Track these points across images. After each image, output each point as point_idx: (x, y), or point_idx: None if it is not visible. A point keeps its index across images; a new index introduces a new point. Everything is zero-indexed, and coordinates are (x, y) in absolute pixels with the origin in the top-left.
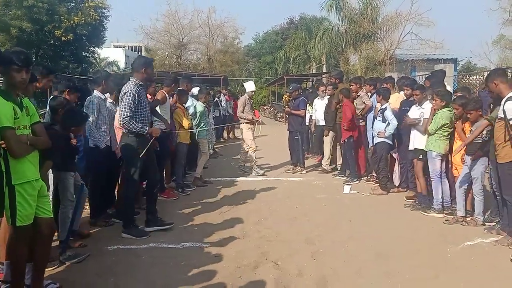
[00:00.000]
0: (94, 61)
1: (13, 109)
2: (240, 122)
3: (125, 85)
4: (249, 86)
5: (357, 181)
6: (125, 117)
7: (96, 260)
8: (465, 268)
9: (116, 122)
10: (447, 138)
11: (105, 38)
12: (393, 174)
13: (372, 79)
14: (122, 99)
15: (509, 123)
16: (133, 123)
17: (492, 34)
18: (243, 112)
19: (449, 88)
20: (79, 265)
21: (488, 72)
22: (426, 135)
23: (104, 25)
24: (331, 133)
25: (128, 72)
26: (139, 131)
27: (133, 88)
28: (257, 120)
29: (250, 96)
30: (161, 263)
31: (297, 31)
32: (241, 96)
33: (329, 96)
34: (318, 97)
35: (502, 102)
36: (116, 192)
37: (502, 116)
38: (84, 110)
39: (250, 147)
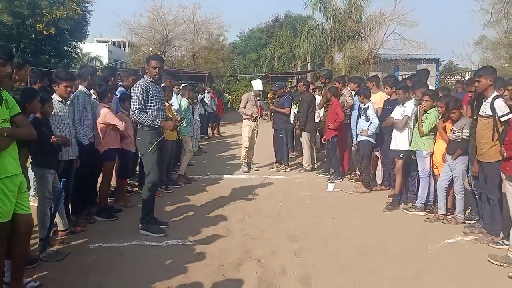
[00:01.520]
0: (76, 56)
1: None
2: (243, 118)
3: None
4: (256, 85)
5: (341, 179)
6: (134, 110)
7: (77, 258)
8: (446, 265)
9: (100, 119)
10: (434, 137)
11: (88, 33)
12: (376, 172)
13: (357, 78)
14: (131, 94)
15: (499, 121)
16: (143, 115)
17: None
18: (244, 108)
19: (431, 88)
20: (59, 263)
21: (484, 67)
22: (408, 135)
23: (87, 20)
24: (305, 134)
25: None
26: (151, 123)
27: (141, 83)
28: (256, 116)
29: (257, 94)
30: (144, 261)
31: (282, 29)
32: (225, 93)
33: (301, 94)
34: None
35: (489, 100)
36: (98, 189)
37: (490, 114)
38: (70, 105)
39: (243, 144)
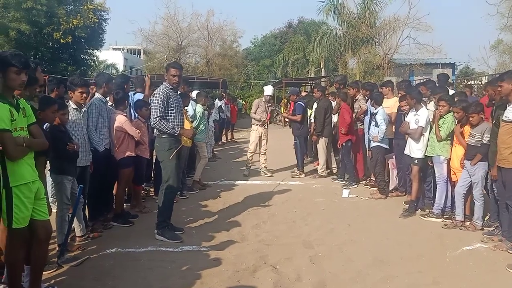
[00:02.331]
0: (92, 63)
1: (9, 112)
2: (251, 123)
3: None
4: (267, 90)
5: (356, 185)
6: (155, 117)
7: (94, 263)
8: (464, 273)
9: (116, 126)
10: (451, 143)
11: (104, 41)
12: (389, 179)
13: (369, 84)
14: (151, 101)
15: None
16: (163, 123)
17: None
18: (255, 113)
19: (451, 92)
20: (77, 269)
21: (508, 71)
22: (423, 142)
23: (103, 28)
24: (323, 139)
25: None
26: (171, 131)
27: (162, 90)
28: (264, 121)
29: (267, 100)
30: (160, 267)
31: (295, 35)
32: (239, 99)
33: (318, 100)
34: (318, 100)
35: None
36: (114, 195)
37: (511, 119)
38: (85, 112)
39: (249, 149)
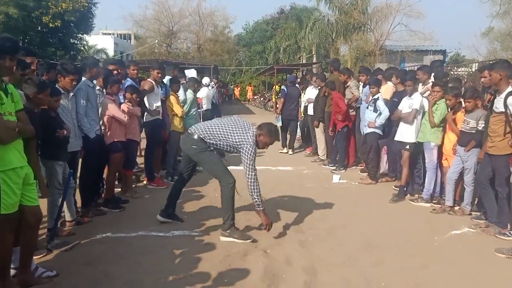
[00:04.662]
0: (82, 48)
1: None
2: None
3: None
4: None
5: (344, 170)
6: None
7: (84, 248)
8: (452, 256)
9: (103, 111)
10: (443, 129)
11: (93, 25)
12: (380, 163)
13: (367, 69)
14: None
15: None
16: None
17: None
18: None
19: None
20: (67, 254)
21: (499, 61)
22: (415, 127)
23: (93, 12)
24: (321, 125)
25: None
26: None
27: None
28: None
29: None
30: (151, 252)
31: (287, 21)
32: (230, 85)
33: (319, 87)
34: (312, 86)
35: (503, 96)
36: (104, 181)
37: (502, 110)
38: (73, 97)
39: None
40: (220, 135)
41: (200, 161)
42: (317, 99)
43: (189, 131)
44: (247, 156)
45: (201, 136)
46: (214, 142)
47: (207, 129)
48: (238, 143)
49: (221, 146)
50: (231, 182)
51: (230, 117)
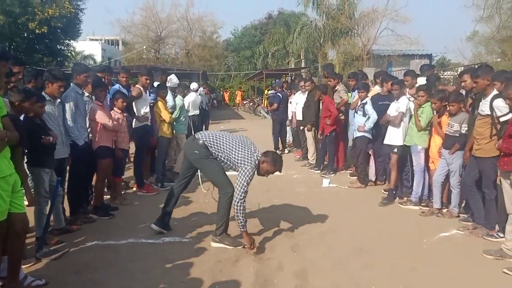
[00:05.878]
0: (69, 54)
1: None
2: None
3: None
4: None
5: (333, 174)
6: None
7: (73, 256)
8: (441, 259)
9: (90, 116)
10: (429, 132)
11: (80, 31)
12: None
13: (355, 74)
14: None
15: (498, 121)
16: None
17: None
18: None
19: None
20: (56, 262)
21: (480, 66)
22: (403, 130)
23: (80, 18)
24: (313, 129)
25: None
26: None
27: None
28: None
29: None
30: (141, 259)
31: (275, 26)
32: (219, 91)
33: (308, 92)
34: (299, 91)
35: (488, 99)
36: (93, 188)
37: (488, 113)
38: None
39: None
40: (224, 148)
41: (201, 168)
42: (308, 103)
43: (196, 136)
44: (244, 176)
45: (206, 143)
46: (216, 152)
47: (214, 139)
48: (239, 161)
49: (222, 158)
50: (230, 192)
51: (240, 135)
